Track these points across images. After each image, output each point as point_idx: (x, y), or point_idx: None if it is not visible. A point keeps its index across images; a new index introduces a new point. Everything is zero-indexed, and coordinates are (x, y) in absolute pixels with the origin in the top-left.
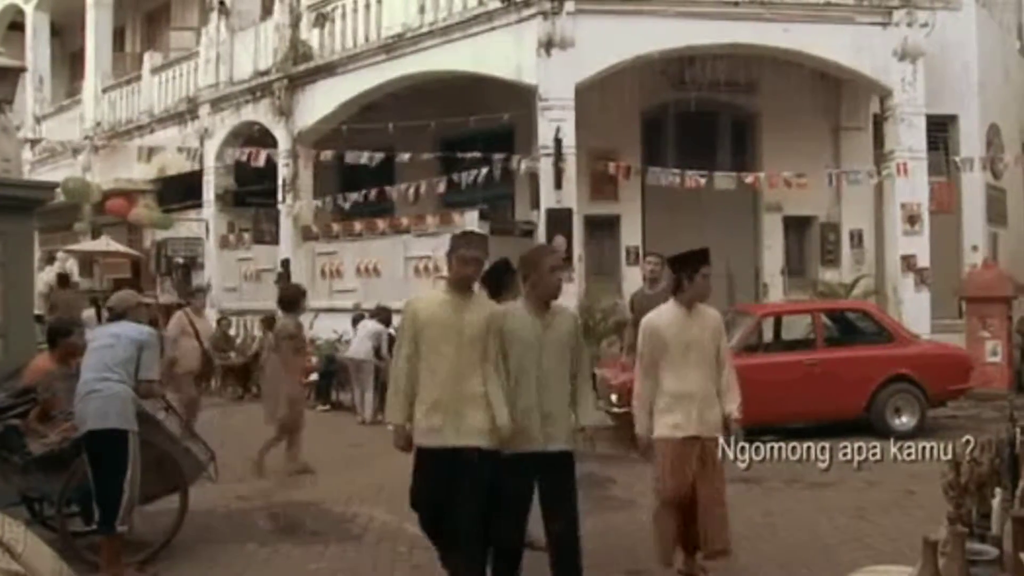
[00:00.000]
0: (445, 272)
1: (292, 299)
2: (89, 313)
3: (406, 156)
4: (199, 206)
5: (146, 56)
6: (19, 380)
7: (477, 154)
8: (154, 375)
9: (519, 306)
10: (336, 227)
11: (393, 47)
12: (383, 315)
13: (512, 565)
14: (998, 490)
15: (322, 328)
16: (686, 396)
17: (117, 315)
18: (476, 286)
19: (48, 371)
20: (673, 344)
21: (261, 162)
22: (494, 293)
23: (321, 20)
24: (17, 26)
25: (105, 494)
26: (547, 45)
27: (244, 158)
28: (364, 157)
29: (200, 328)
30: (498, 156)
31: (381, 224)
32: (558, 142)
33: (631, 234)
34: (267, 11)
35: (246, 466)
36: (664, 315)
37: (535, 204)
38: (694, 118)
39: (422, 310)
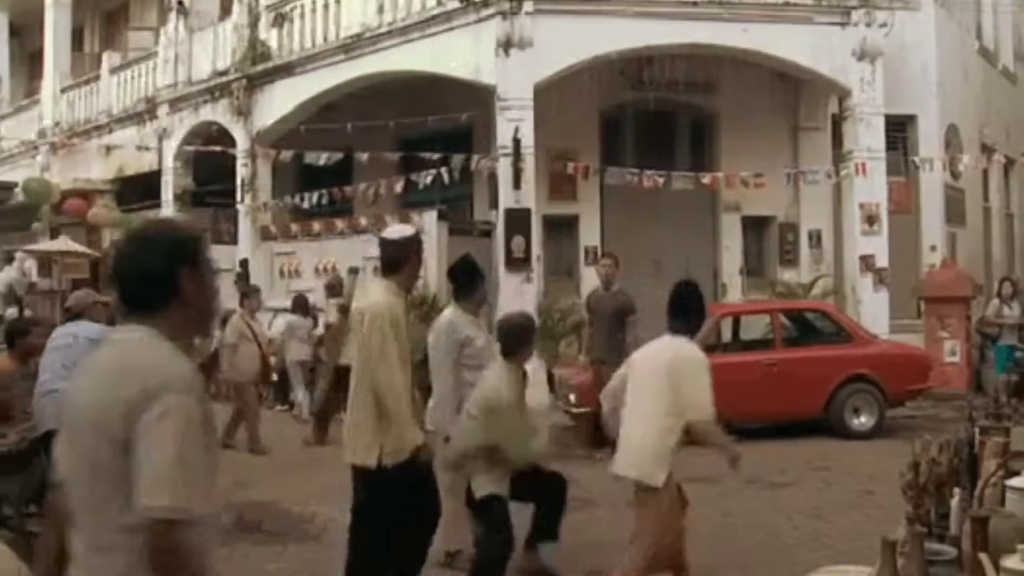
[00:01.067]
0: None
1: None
2: None
3: (364, 156)
4: (158, 206)
5: (105, 56)
6: None
7: (436, 154)
8: None
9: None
10: (294, 227)
11: (352, 47)
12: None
13: None
14: (957, 490)
15: (280, 328)
16: None
17: (75, 315)
18: None
19: (6, 371)
20: None
21: (220, 161)
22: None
23: (280, 20)
24: None
25: None
26: (506, 45)
27: (202, 157)
28: (323, 157)
29: (257, 331)
30: (457, 156)
31: (339, 224)
32: (516, 142)
33: (590, 234)
34: (226, 11)
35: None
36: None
37: (494, 204)
38: (652, 118)
39: (399, 315)
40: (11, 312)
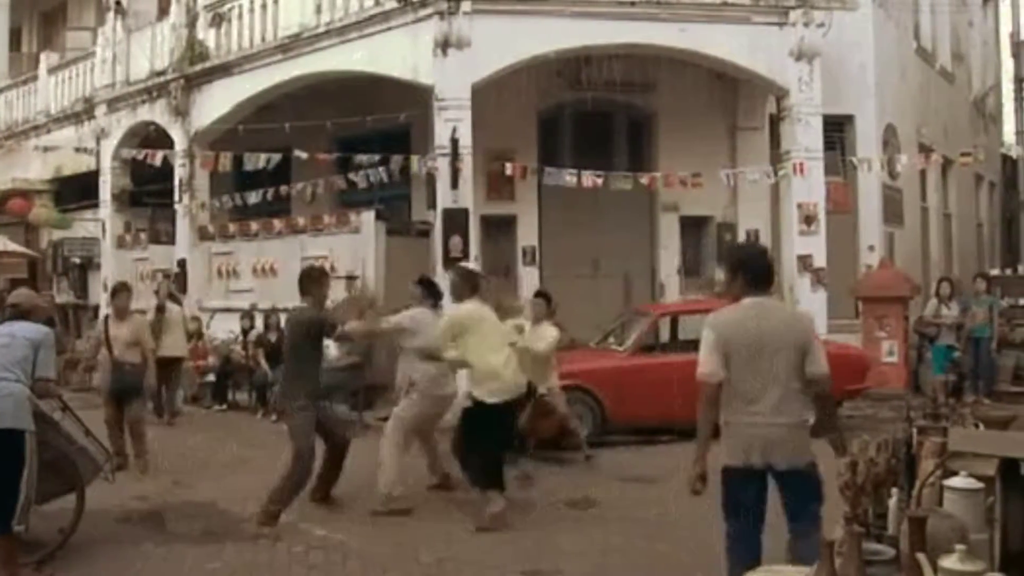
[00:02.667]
0: (341, 273)
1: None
2: None
3: (303, 156)
4: (96, 206)
5: (42, 56)
6: None
7: (374, 155)
8: (50, 374)
9: None
10: (232, 227)
11: (290, 47)
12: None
13: None
14: (895, 490)
15: (218, 328)
16: None
17: (20, 314)
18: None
19: None
20: None
21: (158, 161)
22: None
23: (217, 20)
24: None
25: (1, 493)
26: (443, 45)
27: (140, 157)
28: (261, 159)
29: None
30: (395, 156)
31: (277, 224)
32: (454, 142)
33: (528, 234)
34: (163, 11)
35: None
36: None
37: (431, 204)
38: (591, 118)
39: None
40: None
